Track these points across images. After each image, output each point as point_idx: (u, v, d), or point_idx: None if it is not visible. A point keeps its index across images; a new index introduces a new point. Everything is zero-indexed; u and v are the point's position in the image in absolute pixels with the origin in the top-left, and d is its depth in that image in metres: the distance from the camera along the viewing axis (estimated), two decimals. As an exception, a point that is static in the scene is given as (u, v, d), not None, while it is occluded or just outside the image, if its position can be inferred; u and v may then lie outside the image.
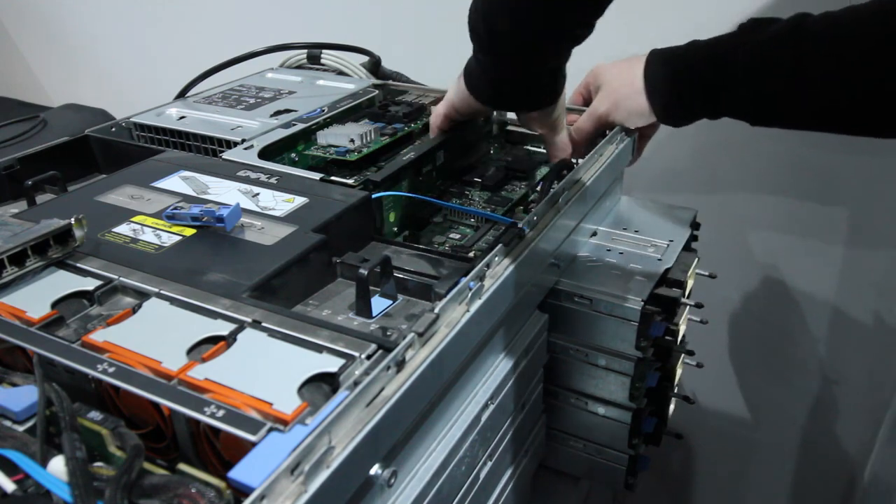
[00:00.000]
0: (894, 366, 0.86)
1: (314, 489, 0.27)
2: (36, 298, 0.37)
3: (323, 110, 0.65)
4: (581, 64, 0.56)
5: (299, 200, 0.48)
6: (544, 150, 0.67)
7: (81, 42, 1.37)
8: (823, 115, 0.53)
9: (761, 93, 0.53)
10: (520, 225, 0.44)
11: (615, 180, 0.62)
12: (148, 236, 0.43)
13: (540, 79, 0.52)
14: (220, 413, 0.28)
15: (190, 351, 0.33)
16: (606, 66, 0.62)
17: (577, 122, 0.62)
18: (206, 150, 0.61)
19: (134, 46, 1.29)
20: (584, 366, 0.54)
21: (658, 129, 0.64)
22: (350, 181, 0.51)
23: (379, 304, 0.41)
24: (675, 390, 0.63)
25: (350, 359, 0.32)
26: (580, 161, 0.57)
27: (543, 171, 0.64)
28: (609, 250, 0.57)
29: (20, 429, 0.31)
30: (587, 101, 0.66)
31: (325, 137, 0.60)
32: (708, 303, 0.61)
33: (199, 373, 0.31)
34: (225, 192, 0.49)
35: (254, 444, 0.27)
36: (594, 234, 0.60)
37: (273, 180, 0.51)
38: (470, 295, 0.38)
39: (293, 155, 0.61)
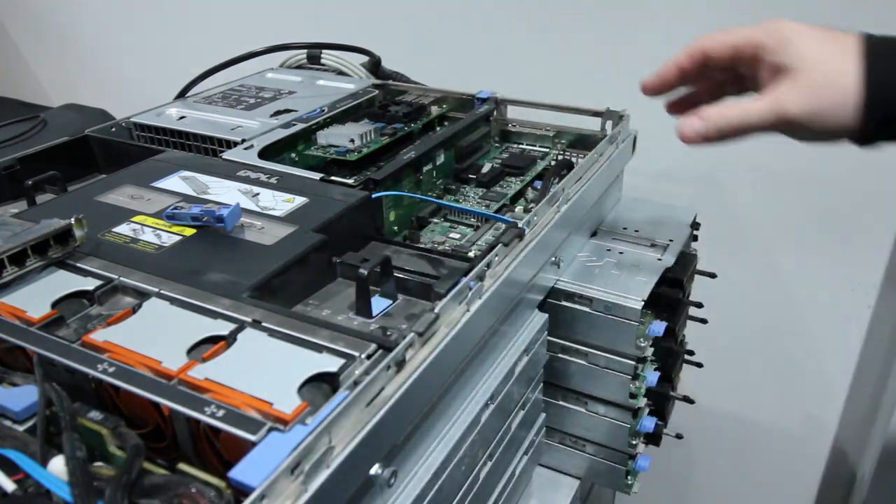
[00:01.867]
0: (894, 366, 0.86)
1: (314, 489, 0.27)
2: (36, 298, 0.37)
3: (323, 110, 0.65)
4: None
5: (299, 200, 0.48)
6: (539, 148, 0.67)
7: (81, 42, 1.37)
8: None
9: None
10: (520, 225, 0.44)
11: (615, 180, 0.62)
12: (148, 236, 0.43)
13: None
14: (220, 413, 0.28)
15: (190, 351, 0.33)
16: (799, 31, 0.39)
17: (744, 112, 0.40)
18: (206, 150, 0.61)
19: (134, 46, 1.29)
20: (584, 366, 0.54)
21: None
22: (350, 181, 0.51)
23: (379, 303, 0.41)
24: (675, 390, 0.63)
25: (350, 358, 0.32)
26: (580, 161, 0.57)
27: (539, 167, 0.64)
28: (609, 250, 0.57)
29: (20, 428, 0.31)
30: (691, 71, 0.43)
31: (325, 137, 0.60)
32: (708, 303, 0.61)
33: (199, 373, 0.31)
34: (225, 192, 0.49)
35: (254, 444, 0.27)
36: (594, 233, 0.60)
37: (273, 180, 0.51)
38: (470, 295, 0.38)
39: (293, 155, 0.61)
